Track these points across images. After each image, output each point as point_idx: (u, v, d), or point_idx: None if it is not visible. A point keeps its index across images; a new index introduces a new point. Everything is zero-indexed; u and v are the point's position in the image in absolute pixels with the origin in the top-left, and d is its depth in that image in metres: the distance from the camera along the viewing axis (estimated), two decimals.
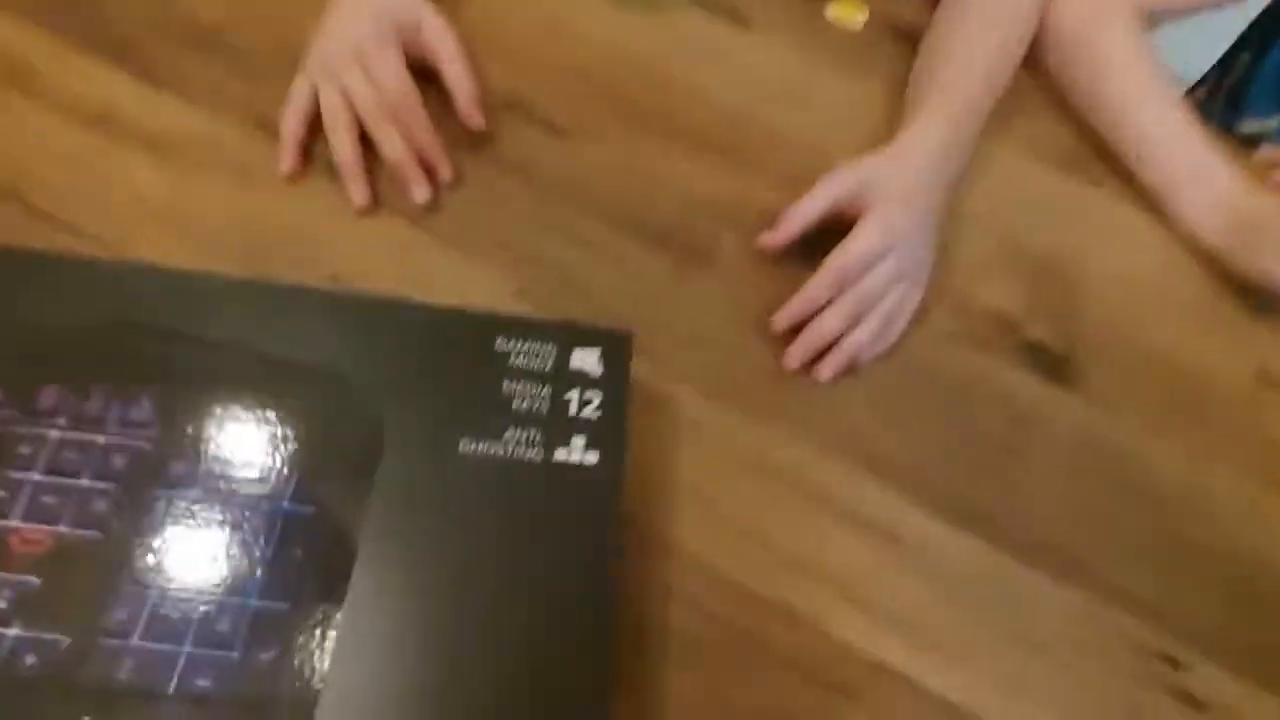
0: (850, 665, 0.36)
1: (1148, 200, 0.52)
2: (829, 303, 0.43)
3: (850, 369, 0.43)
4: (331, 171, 0.43)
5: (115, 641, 0.27)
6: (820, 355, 0.43)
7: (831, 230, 0.43)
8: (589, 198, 0.46)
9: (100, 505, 0.29)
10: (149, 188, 0.42)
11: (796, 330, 0.43)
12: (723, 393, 0.41)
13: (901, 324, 0.44)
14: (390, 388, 0.33)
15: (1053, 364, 0.46)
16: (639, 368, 0.40)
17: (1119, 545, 0.41)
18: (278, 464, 0.30)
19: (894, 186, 0.44)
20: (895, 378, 0.43)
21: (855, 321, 0.43)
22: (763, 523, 0.38)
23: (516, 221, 0.44)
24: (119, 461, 0.30)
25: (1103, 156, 0.54)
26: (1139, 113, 0.53)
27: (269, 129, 0.44)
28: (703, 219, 0.46)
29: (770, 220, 0.46)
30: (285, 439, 0.31)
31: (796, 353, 0.42)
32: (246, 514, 0.29)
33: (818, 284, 0.42)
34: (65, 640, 0.27)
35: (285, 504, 0.30)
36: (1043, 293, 0.48)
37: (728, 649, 0.35)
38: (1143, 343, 0.47)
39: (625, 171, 0.47)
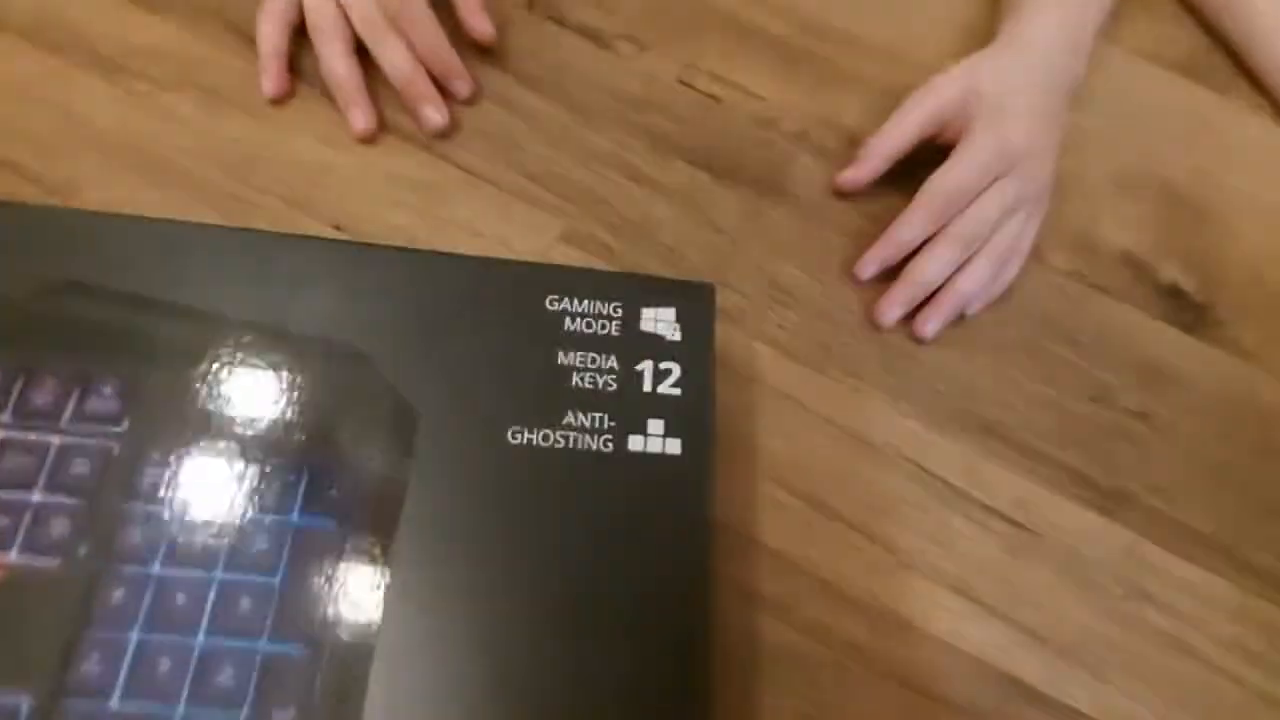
0: (978, 682, 0.30)
1: None
2: (928, 240, 0.35)
3: (957, 322, 0.36)
4: (326, 91, 0.35)
5: (87, 702, 0.21)
6: (920, 306, 0.36)
7: (928, 159, 0.36)
8: (639, 118, 0.38)
9: (59, 526, 0.23)
10: (103, 116, 0.34)
11: (892, 275, 0.36)
12: (810, 356, 0.34)
13: (1018, 264, 0.37)
14: (417, 365, 0.26)
15: (1190, 311, 0.39)
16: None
17: (1272, 525, 0.35)
18: (280, 469, 0.24)
19: (1003, 91, 0.36)
20: (1007, 331, 0.36)
21: (961, 264, 0.35)
22: (865, 513, 0.32)
23: (554, 149, 0.37)
24: (80, 468, 0.24)
25: (1232, 58, 0.46)
26: None
27: (247, 40, 0.36)
28: (775, 143, 0.39)
29: (854, 144, 0.38)
30: (288, 434, 0.24)
31: (891, 307, 0.35)
32: (244, 534, 0.23)
33: (911, 219, 0.35)
34: (26, 701, 0.21)
35: (295, 518, 0.23)
36: (1174, 226, 0.41)
37: (830, 666, 0.29)
38: None
39: (680, 87, 0.39)
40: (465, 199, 0.34)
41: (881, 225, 0.37)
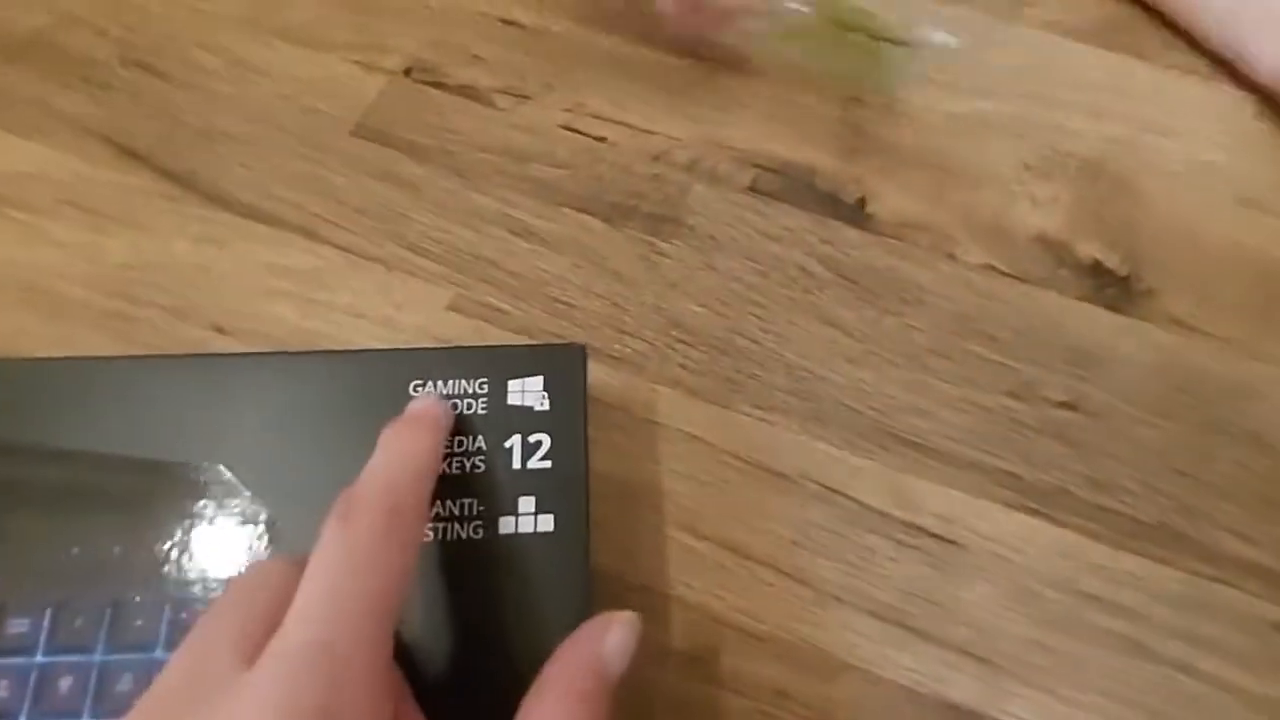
0: (910, 712, 0.29)
1: (1209, 63, 0.43)
2: None
3: (865, 335, 0.35)
4: (201, 189, 0.36)
5: None
6: None
7: None
8: (524, 171, 0.38)
9: None
10: None
11: None
12: (715, 392, 0.34)
13: None
14: (278, 473, 0.26)
15: (1115, 286, 0.37)
16: (608, 376, 0.33)
17: (1228, 504, 0.33)
18: (146, 607, 0.24)
19: None
20: (917, 337, 0.35)
21: None
22: (777, 549, 0.31)
23: (439, 216, 0.36)
24: None
25: (1145, 22, 0.44)
26: None
27: (125, 153, 0.36)
28: (667, 176, 0.38)
29: (747, 164, 0.38)
30: (153, 569, 0.24)
31: None
32: (106, 676, 0.23)
33: None
34: None
35: (159, 654, 0.23)
36: (1091, 201, 0.39)
37: (752, 715, 0.29)
38: (1220, 244, 0.39)
39: (565, 133, 0.39)
40: (347, 281, 0.34)
41: (790, 234, 0.37)
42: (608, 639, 0.22)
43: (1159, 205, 0.40)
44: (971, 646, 0.30)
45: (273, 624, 0.19)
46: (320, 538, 0.20)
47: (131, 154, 0.37)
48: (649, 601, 0.30)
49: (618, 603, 0.30)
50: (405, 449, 0.23)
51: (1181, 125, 0.42)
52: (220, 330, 0.33)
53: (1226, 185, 0.40)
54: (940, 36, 0.40)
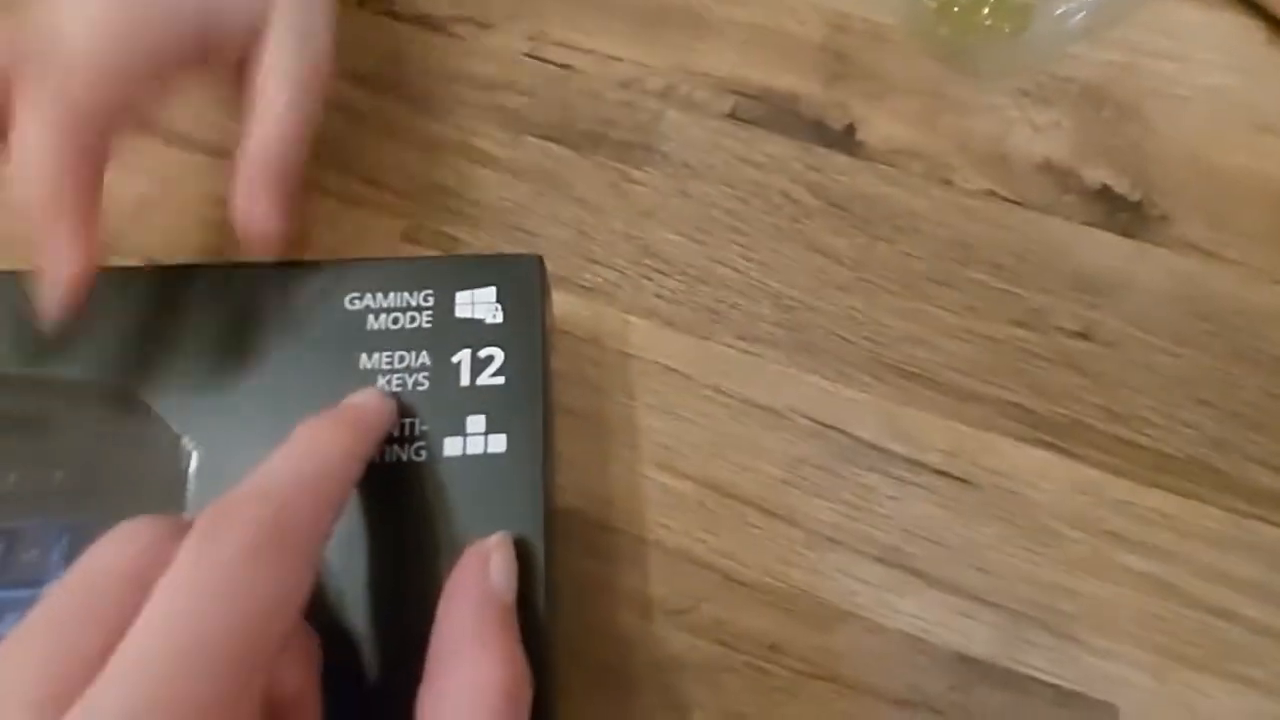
0: (919, 664, 0.26)
1: None
2: None
3: (858, 263, 0.32)
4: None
5: None
6: None
7: None
8: (485, 99, 0.35)
9: None
10: None
11: None
12: (695, 323, 0.31)
13: None
14: (197, 394, 0.23)
15: (1126, 211, 0.34)
16: (576, 306, 0.30)
17: (1260, 435, 0.30)
18: (37, 532, 0.21)
19: None
20: (914, 264, 0.33)
21: None
22: (765, 488, 0.28)
23: (392, 146, 0.34)
24: None
25: None
26: None
27: None
28: (638, 103, 0.35)
29: (727, 92, 0.35)
30: (46, 492, 0.21)
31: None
32: None
33: None
34: None
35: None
36: (1096, 126, 0.37)
37: (740, 670, 0.25)
38: (1236, 169, 0.36)
39: (529, 60, 0.36)
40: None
41: (773, 161, 0.34)
42: (491, 571, 0.19)
43: (1169, 130, 0.37)
44: (986, 592, 0.27)
45: (105, 651, 0.14)
46: (174, 559, 0.15)
47: None
48: (624, 545, 0.27)
49: (590, 548, 0.27)
50: (311, 448, 0.18)
51: (1185, 50, 0.39)
52: (150, 260, 0.30)
53: (1240, 110, 0.38)
54: None
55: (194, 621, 0.14)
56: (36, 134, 0.21)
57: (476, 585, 0.19)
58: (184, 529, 0.16)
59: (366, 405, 0.21)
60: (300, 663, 0.18)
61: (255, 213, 0.24)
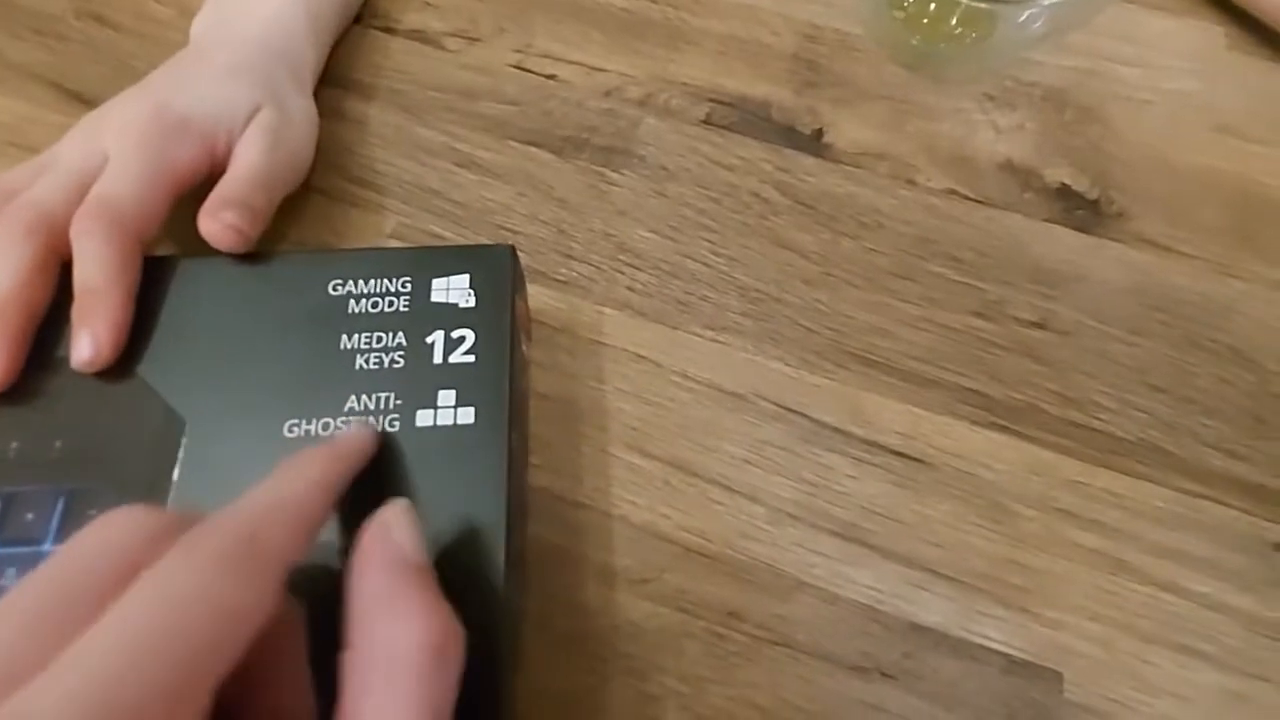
0: (873, 632, 0.27)
1: None
2: None
3: (823, 258, 0.34)
4: None
5: None
6: None
7: None
8: (472, 108, 0.37)
9: None
10: None
11: None
12: (664, 313, 0.32)
13: None
14: (190, 374, 0.24)
15: (1085, 209, 0.36)
16: (553, 299, 0.31)
17: (1213, 420, 0.31)
18: (36, 496, 0.23)
19: None
20: (877, 259, 0.34)
21: None
22: (728, 467, 0.29)
23: (384, 150, 0.36)
24: None
25: None
26: None
27: (69, 95, 0.36)
28: (618, 111, 0.37)
29: (701, 99, 0.37)
30: (45, 458, 0.23)
31: None
32: None
33: None
34: None
35: (48, 547, 0.22)
36: (1058, 128, 0.38)
37: (700, 636, 0.27)
38: (1195, 168, 0.37)
39: (515, 72, 0.38)
40: (288, 209, 0.33)
41: (745, 164, 0.36)
42: (394, 534, 0.19)
43: (1130, 132, 0.38)
44: (940, 565, 0.28)
45: (64, 643, 0.14)
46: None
47: (77, 97, 0.36)
48: (591, 519, 0.28)
49: (558, 521, 0.28)
50: (292, 476, 0.19)
51: (1148, 56, 0.41)
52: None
53: (1200, 113, 0.39)
54: None
55: (147, 620, 0.14)
56: None
57: (382, 549, 0.19)
58: (182, 527, 0.17)
59: (348, 441, 0.22)
60: (282, 634, 0.18)
61: (221, 222, 0.27)
